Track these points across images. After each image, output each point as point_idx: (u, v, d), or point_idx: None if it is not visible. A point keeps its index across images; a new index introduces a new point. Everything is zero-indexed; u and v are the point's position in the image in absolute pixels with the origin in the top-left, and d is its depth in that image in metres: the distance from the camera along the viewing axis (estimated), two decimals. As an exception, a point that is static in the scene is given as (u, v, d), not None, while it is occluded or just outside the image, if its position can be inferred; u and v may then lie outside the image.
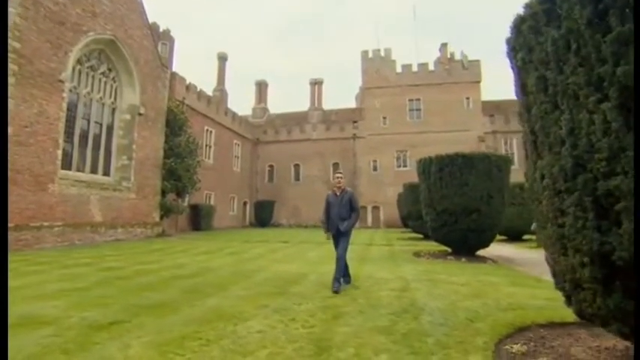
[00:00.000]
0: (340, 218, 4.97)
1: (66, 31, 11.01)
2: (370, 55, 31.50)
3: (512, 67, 2.94)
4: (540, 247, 10.63)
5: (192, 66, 73.14)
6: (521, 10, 2.50)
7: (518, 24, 2.52)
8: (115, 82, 13.47)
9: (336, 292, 4.52)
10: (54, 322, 3.25)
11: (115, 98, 13.47)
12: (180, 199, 16.68)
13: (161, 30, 18.47)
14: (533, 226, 11.00)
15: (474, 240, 8.06)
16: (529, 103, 2.55)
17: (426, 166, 8.71)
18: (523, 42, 2.50)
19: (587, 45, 1.97)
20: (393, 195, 26.18)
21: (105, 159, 12.96)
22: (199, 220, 20.07)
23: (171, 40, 19.35)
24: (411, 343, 2.82)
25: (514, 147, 25.04)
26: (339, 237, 4.99)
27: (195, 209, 19.92)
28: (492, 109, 27.96)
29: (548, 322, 3.32)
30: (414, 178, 21.45)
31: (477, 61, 28.19)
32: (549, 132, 2.32)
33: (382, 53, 31.22)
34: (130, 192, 13.28)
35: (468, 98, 27.96)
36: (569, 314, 3.53)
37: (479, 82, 27.94)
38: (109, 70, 13.29)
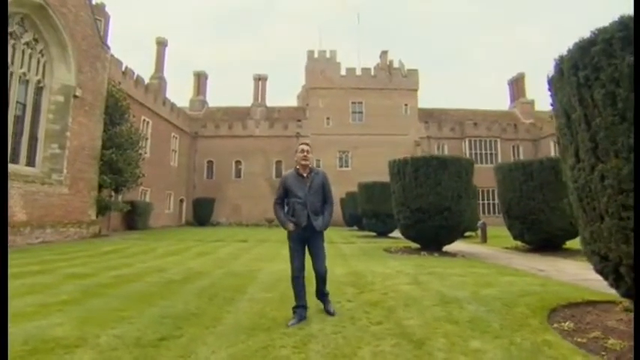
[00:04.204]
0: (312, 210, 3.36)
1: (-19, -12, 8.95)
2: (316, 55, 31.92)
3: (555, 83, 3.37)
4: (482, 243, 12.09)
5: (120, 48, 65.19)
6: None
7: (587, 45, 2.90)
8: (43, 55, 11.38)
9: (331, 313, 3.42)
10: (84, 344, 2.69)
11: (44, 75, 11.39)
12: (117, 195, 14.80)
13: (94, 2, 16.08)
14: (479, 223, 12.44)
15: (444, 236, 8.80)
16: (590, 115, 2.94)
17: (401, 166, 9.21)
18: (589, 62, 2.89)
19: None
20: (336, 194, 26.90)
21: (30, 146, 10.87)
22: (135, 218, 18.09)
23: (106, 17, 16.96)
24: (483, 328, 3.03)
25: (445, 151, 27.82)
26: (313, 239, 3.42)
27: (130, 206, 17.88)
28: (426, 116, 30.66)
29: (568, 303, 3.84)
30: (356, 178, 22.64)
31: (415, 70, 30.60)
32: (616, 140, 2.73)
33: (328, 55, 31.89)
34: (62, 186, 11.36)
35: (406, 105, 30.18)
36: (574, 296, 4.17)
37: (416, 90, 30.36)
38: (35, 40, 11.19)
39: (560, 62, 3.25)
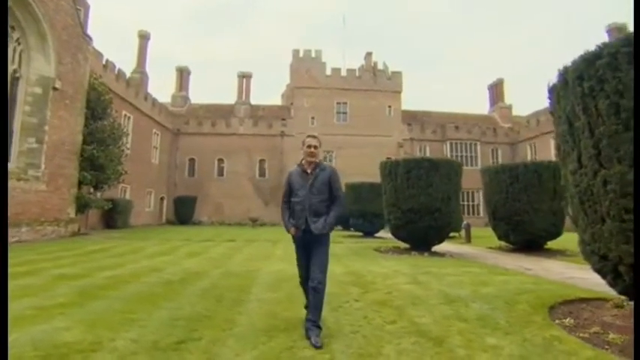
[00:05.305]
0: (312, 211, 2.99)
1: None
2: (301, 54, 31.80)
3: (559, 91, 3.56)
4: (467, 243, 12.46)
5: (99, 40, 62.46)
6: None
7: (592, 58, 3.07)
8: (19, 44, 10.79)
9: (318, 347, 2.63)
10: (100, 349, 2.60)
11: (20, 65, 10.79)
12: (97, 192, 14.23)
13: (73, -10, 15.37)
14: (464, 224, 12.83)
15: (434, 237, 9.03)
16: (593, 124, 3.12)
17: (392, 167, 9.36)
18: (594, 73, 3.06)
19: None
20: (321, 193, 26.97)
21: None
22: (115, 216, 17.44)
23: (86, 6, 16.25)
24: (493, 325, 3.16)
25: (427, 153, 28.42)
26: (312, 244, 3.01)
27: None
28: (409, 118, 31.23)
29: (563, 300, 4.06)
30: (340, 179, 22.79)
31: (399, 72, 31.07)
32: (619, 148, 2.92)
33: (313, 54, 31.83)
34: (40, 182, 10.81)
35: (390, 106, 30.60)
36: (567, 293, 4.40)
37: (400, 92, 30.85)
38: (12, 28, 10.58)
39: (565, 72, 3.42)
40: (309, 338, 2.76)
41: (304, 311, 3.39)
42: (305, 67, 31.37)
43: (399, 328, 3.08)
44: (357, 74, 31.45)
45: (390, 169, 9.47)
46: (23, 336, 2.80)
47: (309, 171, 3.10)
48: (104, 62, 17.48)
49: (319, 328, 2.84)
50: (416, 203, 8.78)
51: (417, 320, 3.30)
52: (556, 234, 9.17)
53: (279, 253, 8.89)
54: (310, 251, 3.04)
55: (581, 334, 3.01)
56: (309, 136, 3.17)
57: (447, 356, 2.50)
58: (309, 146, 3.11)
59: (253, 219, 25.13)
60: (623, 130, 2.89)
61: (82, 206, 12.76)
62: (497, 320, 3.31)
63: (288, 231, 3.13)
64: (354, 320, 3.32)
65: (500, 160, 28.36)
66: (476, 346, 2.68)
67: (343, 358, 2.49)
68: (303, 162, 3.17)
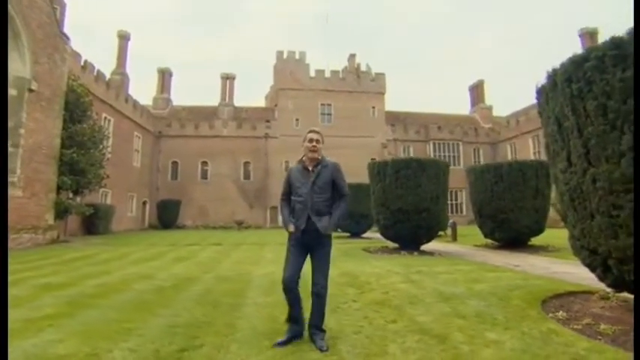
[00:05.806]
0: (314, 210, 2.84)
1: None
2: (285, 56, 31.74)
3: (547, 92, 3.69)
4: (453, 241, 12.72)
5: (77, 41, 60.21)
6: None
7: (579, 60, 3.20)
8: (-8, 44, 10.29)
9: (324, 350, 2.61)
10: (98, 361, 2.51)
11: (-7, 66, 10.29)
12: (76, 197, 13.72)
13: (48, -12, 14.80)
14: (450, 223, 13.09)
15: (422, 236, 9.16)
16: (582, 124, 3.25)
17: (381, 168, 9.45)
18: (582, 76, 3.19)
19: (654, 85, 2.71)
20: (307, 195, 26.98)
21: (-23, 145, 9.76)
22: (96, 222, 16.88)
23: (62, 5, 15.68)
24: (491, 321, 3.24)
25: (411, 153, 28.84)
26: (315, 246, 2.87)
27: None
28: (393, 118, 31.65)
29: (553, 294, 4.20)
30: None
31: (382, 74, 31.46)
32: (607, 147, 3.04)
33: (297, 56, 31.83)
34: (16, 188, 10.32)
35: (373, 107, 30.94)
36: (555, 288, 4.55)
37: (383, 93, 31.23)
38: (-17, 27, 10.09)
39: (554, 74, 3.55)
40: (313, 342, 2.74)
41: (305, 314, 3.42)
42: (289, 69, 31.32)
43: (401, 327, 3.10)
44: (340, 76, 31.66)
45: (378, 169, 9.55)
46: (15, 350, 2.66)
47: (310, 168, 2.96)
48: (82, 63, 16.92)
49: (323, 331, 2.84)
50: (404, 203, 8.89)
51: (418, 319, 3.34)
52: (539, 230, 9.48)
53: (269, 256, 8.83)
54: (311, 254, 2.91)
55: (574, 326, 3.11)
56: (310, 131, 3.03)
57: (452, 352, 2.54)
58: (311, 141, 2.95)
59: (239, 222, 24.85)
60: (610, 130, 3.02)
61: (61, 212, 12.27)
62: (495, 316, 3.39)
63: (287, 228, 2.94)
64: (355, 321, 3.34)
65: (482, 160, 29.12)
66: (478, 341, 2.73)
67: (350, 359, 2.49)
68: (304, 158, 3.01)
